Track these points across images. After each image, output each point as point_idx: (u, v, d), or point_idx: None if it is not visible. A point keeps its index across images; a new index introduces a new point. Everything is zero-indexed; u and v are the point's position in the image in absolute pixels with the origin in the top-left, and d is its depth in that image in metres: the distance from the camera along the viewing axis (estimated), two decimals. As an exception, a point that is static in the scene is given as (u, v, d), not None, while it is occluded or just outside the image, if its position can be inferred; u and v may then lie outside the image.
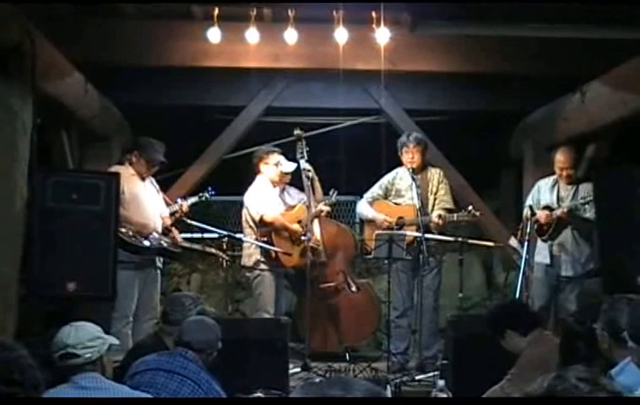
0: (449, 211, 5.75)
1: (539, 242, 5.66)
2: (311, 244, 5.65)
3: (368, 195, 5.97)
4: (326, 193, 5.91)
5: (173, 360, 3.20)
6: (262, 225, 5.77)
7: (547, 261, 5.58)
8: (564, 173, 5.66)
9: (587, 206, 5.46)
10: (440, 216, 5.61)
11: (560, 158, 5.69)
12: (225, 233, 5.82)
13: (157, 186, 5.66)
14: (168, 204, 5.65)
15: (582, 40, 5.50)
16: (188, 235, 5.79)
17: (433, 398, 3.67)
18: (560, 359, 3.08)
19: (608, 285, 4.68)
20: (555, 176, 5.76)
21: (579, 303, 5.53)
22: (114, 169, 5.37)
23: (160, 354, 3.33)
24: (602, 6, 4.81)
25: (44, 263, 4.46)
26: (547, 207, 5.61)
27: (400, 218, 5.72)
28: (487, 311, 5.16)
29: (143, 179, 5.45)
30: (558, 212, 5.51)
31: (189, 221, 5.62)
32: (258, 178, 5.90)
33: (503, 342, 3.70)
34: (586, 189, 5.56)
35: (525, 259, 5.33)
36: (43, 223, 4.49)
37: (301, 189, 5.91)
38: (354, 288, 5.91)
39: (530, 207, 5.57)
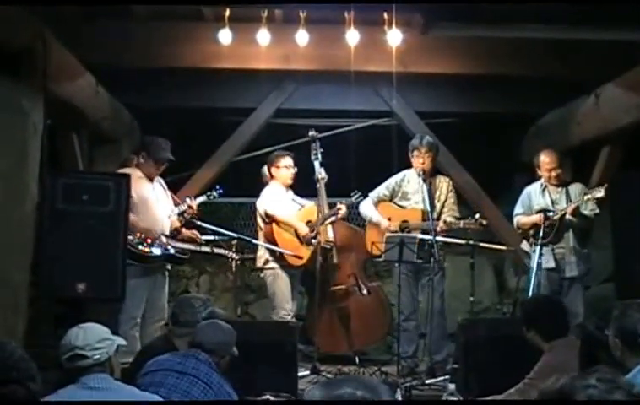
0: (457, 219, 5.69)
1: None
2: (323, 243, 5.62)
3: (374, 194, 5.89)
4: (339, 196, 5.87)
5: (185, 361, 3.18)
6: (267, 219, 5.75)
7: (551, 265, 5.50)
8: (553, 173, 5.62)
9: (585, 203, 5.42)
10: (445, 222, 5.57)
11: (546, 159, 5.64)
12: (236, 235, 5.81)
13: (165, 186, 5.62)
14: (177, 204, 5.62)
15: (596, 41, 5.44)
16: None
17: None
18: (579, 367, 3.01)
19: (622, 291, 4.62)
20: (541, 181, 5.71)
21: (586, 304, 5.49)
22: (122, 171, 5.34)
23: (173, 355, 3.31)
24: (616, 7, 4.76)
25: (54, 265, 4.47)
26: (544, 211, 5.55)
27: (405, 221, 5.67)
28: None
29: (151, 180, 5.42)
30: (568, 210, 5.43)
31: (199, 222, 5.59)
32: (271, 182, 5.89)
33: (527, 335, 3.65)
34: (577, 189, 5.57)
35: (538, 263, 5.28)
36: (53, 224, 4.50)
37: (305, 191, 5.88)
38: (365, 291, 5.86)
39: (544, 211, 5.50)
